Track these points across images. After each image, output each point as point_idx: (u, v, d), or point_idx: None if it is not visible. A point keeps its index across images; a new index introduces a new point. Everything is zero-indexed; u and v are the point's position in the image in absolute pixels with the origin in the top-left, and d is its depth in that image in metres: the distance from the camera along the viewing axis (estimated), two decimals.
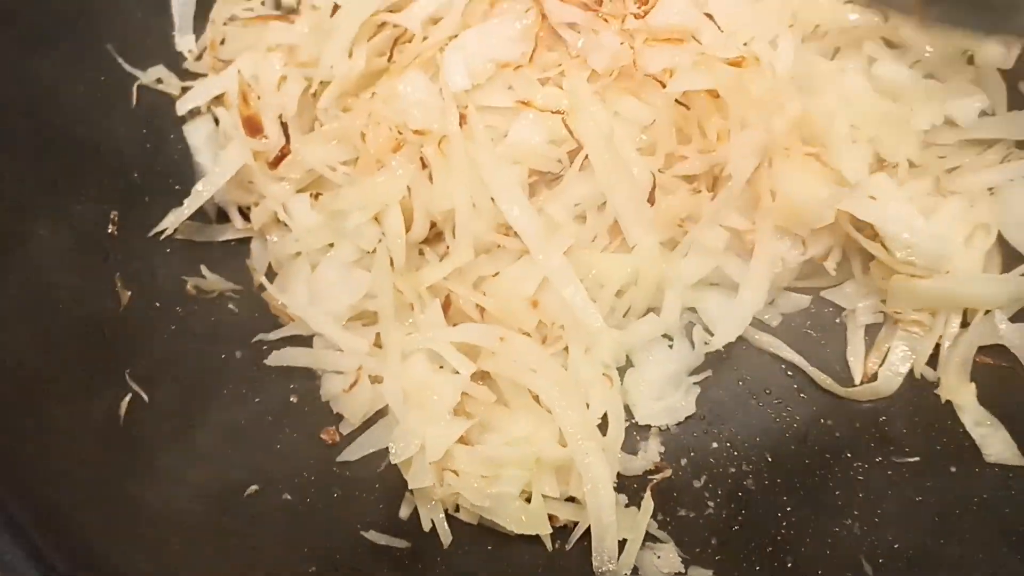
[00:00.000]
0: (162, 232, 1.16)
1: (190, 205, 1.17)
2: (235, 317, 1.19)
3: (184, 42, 1.27)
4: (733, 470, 1.14)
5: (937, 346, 1.13)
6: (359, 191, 1.09)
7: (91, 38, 1.17)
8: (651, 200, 1.07)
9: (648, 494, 1.09)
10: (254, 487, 1.05)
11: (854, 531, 1.07)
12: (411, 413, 1.06)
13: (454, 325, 1.12)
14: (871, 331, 1.17)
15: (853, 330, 1.17)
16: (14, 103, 1.07)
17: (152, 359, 1.09)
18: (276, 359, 1.14)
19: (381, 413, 1.12)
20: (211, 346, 1.15)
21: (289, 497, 1.07)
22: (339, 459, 1.10)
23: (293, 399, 1.15)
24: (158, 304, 1.14)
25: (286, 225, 1.19)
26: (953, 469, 1.07)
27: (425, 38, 1.13)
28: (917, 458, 1.09)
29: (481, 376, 1.10)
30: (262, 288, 1.19)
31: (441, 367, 1.10)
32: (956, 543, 1.02)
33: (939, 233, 1.08)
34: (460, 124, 1.08)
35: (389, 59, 1.15)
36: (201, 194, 1.17)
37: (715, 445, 1.16)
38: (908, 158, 1.12)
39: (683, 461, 1.15)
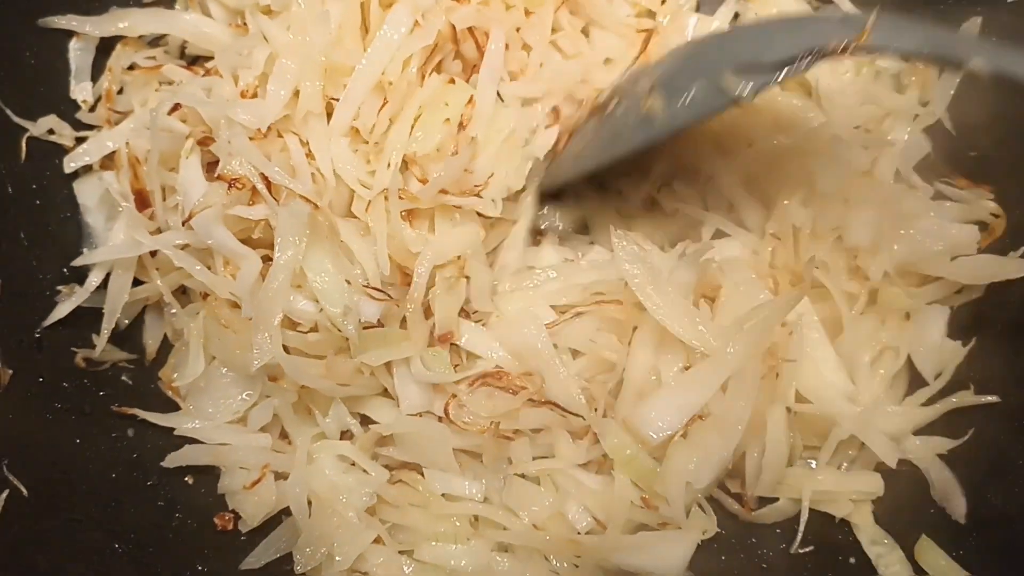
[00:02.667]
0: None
1: (80, 295, 1.10)
2: (130, 391, 1.13)
3: (80, 90, 1.19)
4: None
5: None
6: None
7: None
8: None
9: None
10: None
11: None
12: (317, 519, 1.02)
13: None
14: None
15: None
16: None
17: (34, 445, 1.02)
18: (174, 459, 1.07)
19: (286, 511, 1.05)
20: (101, 426, 1.08)
21: None
22: (242, 567, 1.04)
23: (188, 479, 1.10)
24: (41, 380, 1.07)
25: (185, 294, 1.14)
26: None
27: None
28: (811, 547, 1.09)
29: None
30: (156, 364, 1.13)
31: (353, 464, 1.06)
32: None
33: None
34: None
35: None
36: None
37: None
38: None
39: None
